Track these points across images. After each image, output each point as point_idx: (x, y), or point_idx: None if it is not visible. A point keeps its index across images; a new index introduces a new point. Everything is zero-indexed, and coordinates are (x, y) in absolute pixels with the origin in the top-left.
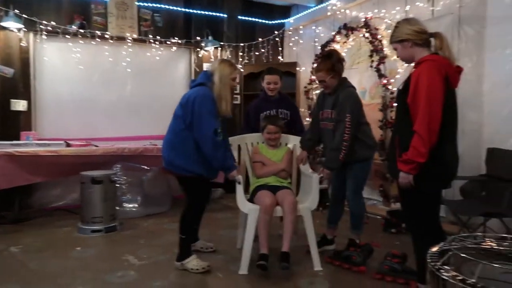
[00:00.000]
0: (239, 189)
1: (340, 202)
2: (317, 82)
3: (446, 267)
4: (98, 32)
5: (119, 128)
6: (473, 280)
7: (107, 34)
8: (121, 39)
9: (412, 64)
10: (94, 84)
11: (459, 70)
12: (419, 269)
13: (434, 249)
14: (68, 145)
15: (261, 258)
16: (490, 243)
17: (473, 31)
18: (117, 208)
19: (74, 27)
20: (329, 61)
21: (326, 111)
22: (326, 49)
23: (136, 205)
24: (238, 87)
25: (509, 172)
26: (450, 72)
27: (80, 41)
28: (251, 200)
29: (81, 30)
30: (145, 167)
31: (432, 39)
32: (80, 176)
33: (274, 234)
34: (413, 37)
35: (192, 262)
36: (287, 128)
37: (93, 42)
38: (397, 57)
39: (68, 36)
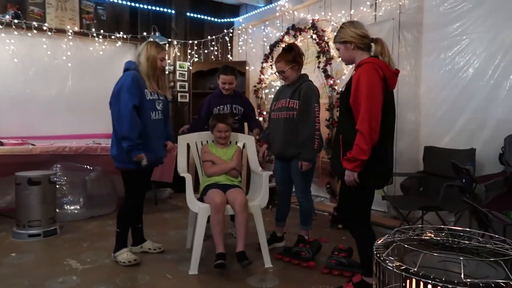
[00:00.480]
0: (189, 188)
1: (287, 199)
2: (276, 74)
3: (390, 257)
4: (35, 23)
5: (59, 126)
6: (415, 269)
7: (45, 25)
8: (60, 31)
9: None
10: (31, 79)
11: (397, 72)
12: (363, 262)
13: (379, 241)
14: (1, 143)
15: (219, 257)
16: (429, 234)
17: (411, 36)
18: (58, 210)
19: (7, 17)
20: (290, 54)
21: (282, 101)
22: (275, 49)
23: (78, 207)
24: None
25: (444, 169)
26: (388, 74)
27: (15, 32)
28: (201, 199)
29: (16, 21)
30: (88, 167)
31: (373, 44)
32: (15, 176)
33: (225, 233)
34: (356, 40)
35: (122, 256)
36: (240, 124)
37: (29, 34)
38: (338, 57)
39: (1, 26)
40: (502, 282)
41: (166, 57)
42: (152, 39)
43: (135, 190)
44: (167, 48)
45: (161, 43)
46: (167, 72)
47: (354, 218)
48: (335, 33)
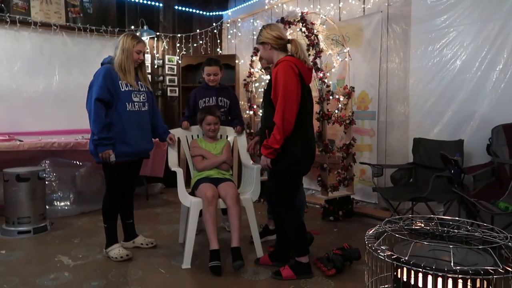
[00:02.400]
0: (180, 182)
1: None
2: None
3: (381, 247)
4: (19, 17)
5: (47, 121)
6: (406, 258)
7: (29, 19)
8: (46, 25)
9: (347, 59)
10: (16, 74)
11: (311, 68)
12: (293, 245)
13: (370, 232)
14: None
15: (213, 256)
16: (419, 224)
17: (399, 29)
18: (47, 207)
19: None
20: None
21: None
22: None
23: (68, 203)
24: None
25: (433, 160)
26: (303, 70)
27: None
28: (192, 193)
29: None
30: (77, 163)
31: (289, 45)
32: (3, 173)
33: (218, 227)
34: (272, 41)
35: (114, 251)
36: (226, 117)
37: (13, 28)
38: (260, 56)
39: None
40: (490, 269)
41: (144, 50)
42: (128, 31)
43: (115, 183)
44: (155, 42)
45: (149, 36)
46: (155, 66)
47: (279, 202)
48: (324, 26)
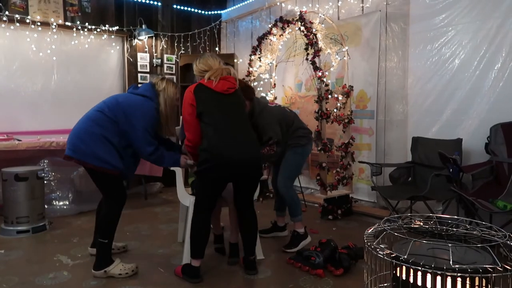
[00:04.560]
0: (179, 181)
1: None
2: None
3: (381, 246)
4: (18, 16)
5: (45, 120)
6: (405, 257)
7: (28, 18)
8: (44, 24)
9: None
10: (15, 73)
11: (225, 78)
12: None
13: (370, 230)
14: None
15: (217, 240)
16: (418, 223)
17: (398, 28)
18: (46, 206)
19: None
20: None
21: None
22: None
23: (67, 203)
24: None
25: (431, 159)
26: (206, 83)
27: None
28: (193, 193)
29: None
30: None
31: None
32: (1, 172)
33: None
34: (197, 73)
35: (118, 267)
36: None
37: (11, 27)
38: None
39: None
40: (489, 267)
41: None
42: (163, 76)
43: (122, 193)
44: (153, 41)
45: (147, 35)
46: (154, 65)
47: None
48: (323, 25)
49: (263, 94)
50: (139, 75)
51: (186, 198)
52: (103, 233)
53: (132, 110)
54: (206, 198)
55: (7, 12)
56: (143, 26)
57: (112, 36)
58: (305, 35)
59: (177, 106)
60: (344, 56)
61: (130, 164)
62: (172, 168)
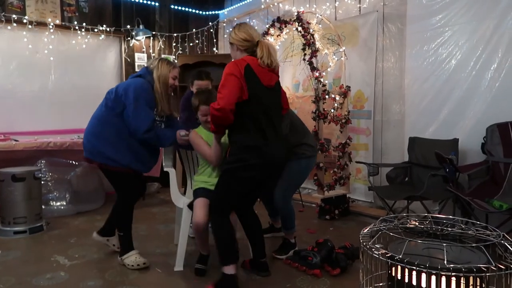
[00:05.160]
0: (173, 183)
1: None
2: None
3: (376, 245)
4: (15, 16)
5: (42, 121)
6: (400, 256)
7: (25, 18)
8: (41, 24)
9: (342, 58)
10: (12, 73)
11: (273, 70)
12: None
13: (365, 230)
14: None
15: (200, 260)
16: (414, 223)
17: (395, 28)
18: (43, 206)
19: None
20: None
21: None
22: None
23: (64, 203)
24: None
25: (428, 159)
26: (258, 71)
27: None
28: (191, 203)
29: None
30: (74, 162)
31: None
32: None
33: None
34: (237, 42)
35: (130, 258)
36: None
37: (8, 27)
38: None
39: None
40: (483, 267)
41: (178, 76)
42: (161, 57)
43: (130, 190)
44: (151, 41)
45: (145, 36)
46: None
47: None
48: (320, 26)
49: None
50: None
51: (179, 200)
52: (119, 227)
53: (125, 91)
54: (235, 199)
55: (4, 13)
56: (141, 26)
57: (110, 37)
58: (303, 36)
59: (173, 86)
60: (342, 57)
61: (145, 158)
62: (166, 169)
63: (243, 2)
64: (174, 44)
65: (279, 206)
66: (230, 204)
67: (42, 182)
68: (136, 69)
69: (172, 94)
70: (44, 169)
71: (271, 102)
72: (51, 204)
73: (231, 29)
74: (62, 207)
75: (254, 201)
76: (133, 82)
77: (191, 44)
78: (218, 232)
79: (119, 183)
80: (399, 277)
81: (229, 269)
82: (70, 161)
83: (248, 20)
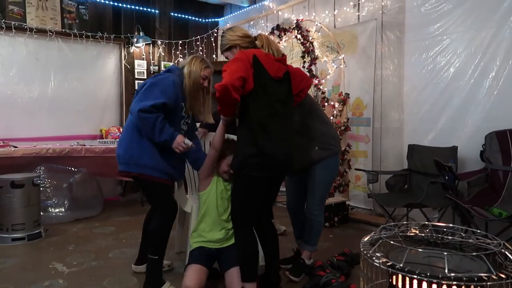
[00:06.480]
0: (179, 184)
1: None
2: None
3: (377, 254)
4: (15, 23)
5: (42, 127)
6: (401, 265)
7: (25, 25)
8: (42, 31)
9: (341, 66)
10: (12, 80)
11: (280, 59)
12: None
13: (366, 238)
14: None
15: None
16: (414, 231)
17: (394, 36)
18: (42, 213)
19: None
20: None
21: None
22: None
23: (63, 210)
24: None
25: (427, 166)
26: (265, 60)
27: None
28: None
29: None
30: (72, 169)
31: (257, 42)
32: None
33: None
34: (239, 40)
35: None
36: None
37: (9, 34)
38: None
39: None
40: (484, 276)
41: (210, 77)
42: (196, 55)
43: (171, 202)
44: (151, 48)
45: (145, 43)
46: (151, 72)
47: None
48: (319, 33)
49: None
50: (136, 82)
51: (186, 202)
52: (154, 249)
53: (146, 82)
54: (253, 205)
55: (4, 19)
56: (141, 33)
57: (110, 43)
58: (302, 43)
59: (203, 86)
60: (341, 64)
61: (177, 164)
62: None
63: (243, 10)
64: (173, 51)
65: (314, 218)
66: (251, 213)
67: (41, 189)
68: (136, 76)
69: (205, 94)
70: (43, 176)
71: (278, 96)
72: (50, 210)
73: (221, 36)
74: (60, 214)
75: (271, 207)
76: (162, 78)
77: (191, 51)
78: (244, 249)
79: (158, 196)
80: (400, 286)
81: (251, 286)
82: (69, 168)
83: (247, 27)
